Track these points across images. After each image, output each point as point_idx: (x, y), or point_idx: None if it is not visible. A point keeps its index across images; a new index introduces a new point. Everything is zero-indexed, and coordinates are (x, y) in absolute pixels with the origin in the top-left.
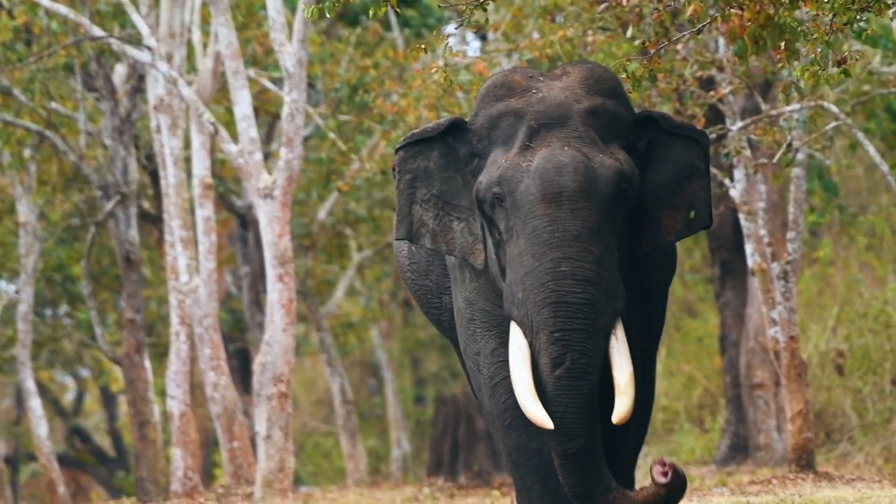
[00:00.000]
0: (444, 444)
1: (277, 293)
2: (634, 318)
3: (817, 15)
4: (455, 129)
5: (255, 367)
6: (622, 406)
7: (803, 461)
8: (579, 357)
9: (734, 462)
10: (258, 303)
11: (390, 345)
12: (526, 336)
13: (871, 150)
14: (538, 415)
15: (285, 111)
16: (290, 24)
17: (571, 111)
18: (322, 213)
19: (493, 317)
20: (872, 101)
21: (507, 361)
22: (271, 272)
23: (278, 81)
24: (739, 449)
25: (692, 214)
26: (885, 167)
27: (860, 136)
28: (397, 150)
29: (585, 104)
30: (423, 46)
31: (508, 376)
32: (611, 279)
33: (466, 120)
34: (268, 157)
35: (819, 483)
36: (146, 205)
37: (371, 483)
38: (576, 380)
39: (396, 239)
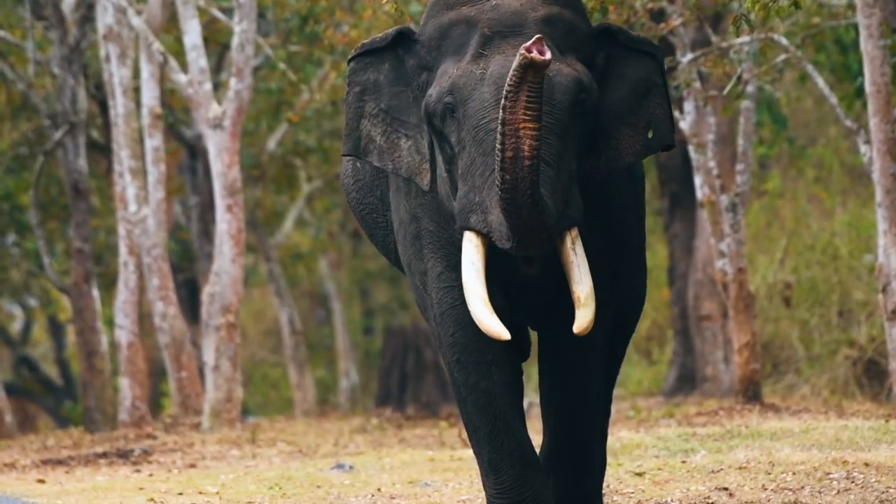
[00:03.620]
0: (393, 375)
1: (226, 223)
2: (597, 245)
3: None
4: (403, 39)
5: (204, 297)
6: (583, 316)
7: (750, 392)
8: (523, 182)
9: (681, 393)
10: (207, 233)
11: (339, 275)
12: (484, 231)
13: (821, 82)
14: (493, 327)
15: (235, 41)
16: None
17: (527, 19)
18: (272, 144)
19: (438, 238)
20: (822, 33)
21: (453, 287)
22: (220, 202)
23: (228, 11)
24: (687, 380)
25: (650, 134)
26: (833, 99)
27: (810, 68)
28: (349, 61)
29: (542, 12)
30: None
31: (456, 305)
32: (566, 182)
33: (414, 30)
34: (217, 87)
35: (765, 414)
36: (95, 134)
37: (319, 413)
38: (525, 192)
39: (343, 154)
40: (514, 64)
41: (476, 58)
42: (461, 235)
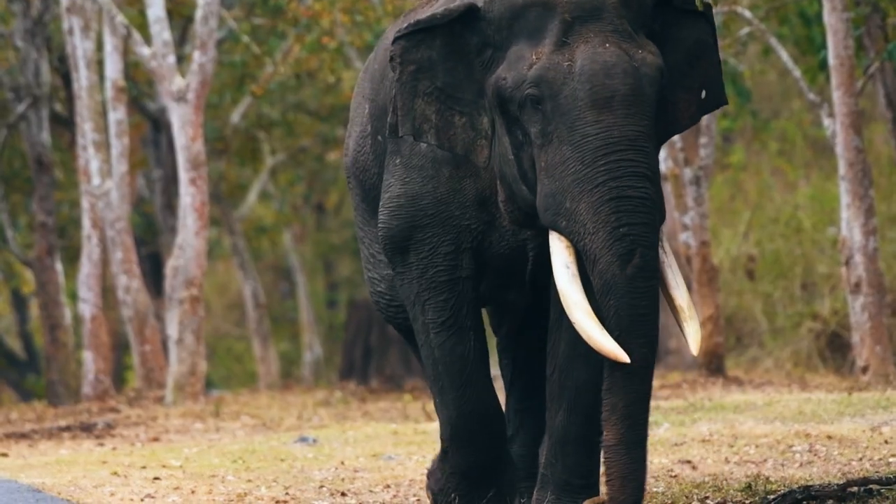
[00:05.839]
0: (356, 349)
1: (190, 197)
2: None
3: None
4: (467, 15)
5: (168, 270)
6: (696, 332)
7: (713, 365)
8: (647, 251)
9: None
10: (171, 206)
11: (303, 249)
12: (576, 243)
13: (784, 55)
14: (610, 347)
15: (199, 14)
16: None
17: (605, 2)
18: (235, 117)
19: (456, 221)
20: (786, 6)
21: (459, 266)
22: (184, 176)
23: None
24: None
25: (703, 94)
26: (797, 72)
27: (773, 41)
28: (397, 40)
29: None
30: None
31: (463, 276)
32: (659, 184)
33: (479, 6)
34: (181, 60)
35: (729, 387)
36: (58, 107)
37: (283, 387)
38: (649, 279)
39: (401, 135)
40: None
41: (560, 46)
42: (544, 228)
